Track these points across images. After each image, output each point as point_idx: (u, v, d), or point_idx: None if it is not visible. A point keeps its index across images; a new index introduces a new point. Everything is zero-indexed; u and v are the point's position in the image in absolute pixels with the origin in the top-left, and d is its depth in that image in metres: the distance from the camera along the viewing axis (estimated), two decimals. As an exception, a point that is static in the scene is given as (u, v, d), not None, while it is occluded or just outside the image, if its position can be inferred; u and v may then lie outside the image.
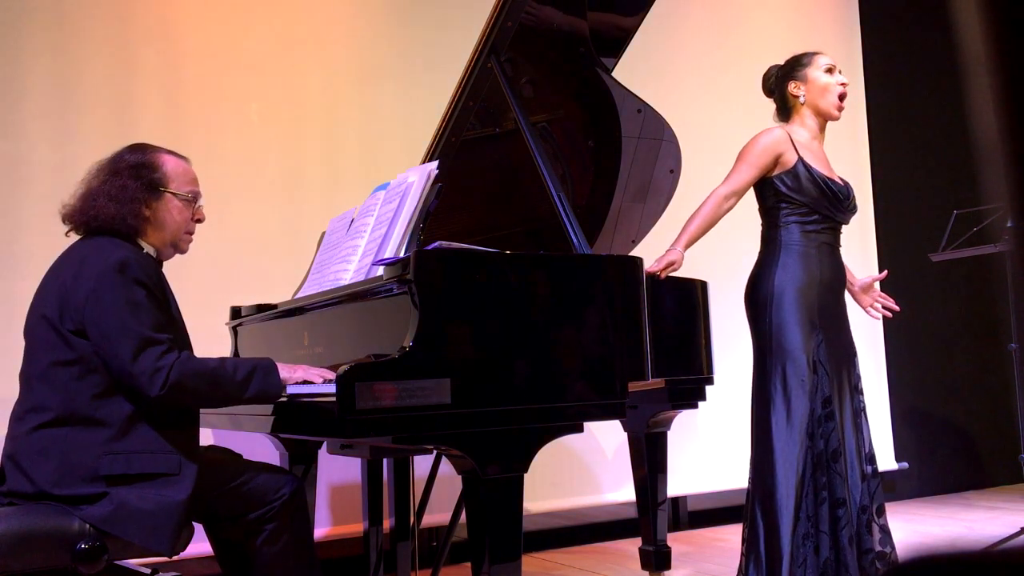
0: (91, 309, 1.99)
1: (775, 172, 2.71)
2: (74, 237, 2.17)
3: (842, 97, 2.76)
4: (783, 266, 2.69)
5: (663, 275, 2.48)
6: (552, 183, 2.39)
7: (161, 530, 1.95)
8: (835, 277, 2.74)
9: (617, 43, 2.91)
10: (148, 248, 2.16)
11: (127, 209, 2.09)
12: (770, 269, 2.71)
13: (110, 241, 2.08)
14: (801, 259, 2.68)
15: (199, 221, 2.24)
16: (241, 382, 2.03)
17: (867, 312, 3.02)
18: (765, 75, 2.90)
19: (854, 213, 2.82)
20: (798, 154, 2.69)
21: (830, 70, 2.77)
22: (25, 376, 2.09)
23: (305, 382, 2.08)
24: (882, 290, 3.05)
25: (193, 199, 2.21)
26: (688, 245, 2.61)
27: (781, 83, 2.82)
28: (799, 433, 2.58)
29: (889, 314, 3.02)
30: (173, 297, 2.17)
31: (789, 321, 2.65)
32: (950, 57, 4.82)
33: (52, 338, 2.02)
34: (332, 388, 1.84)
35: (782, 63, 2.86)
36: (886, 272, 3.07)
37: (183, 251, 2.24)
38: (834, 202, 2.71)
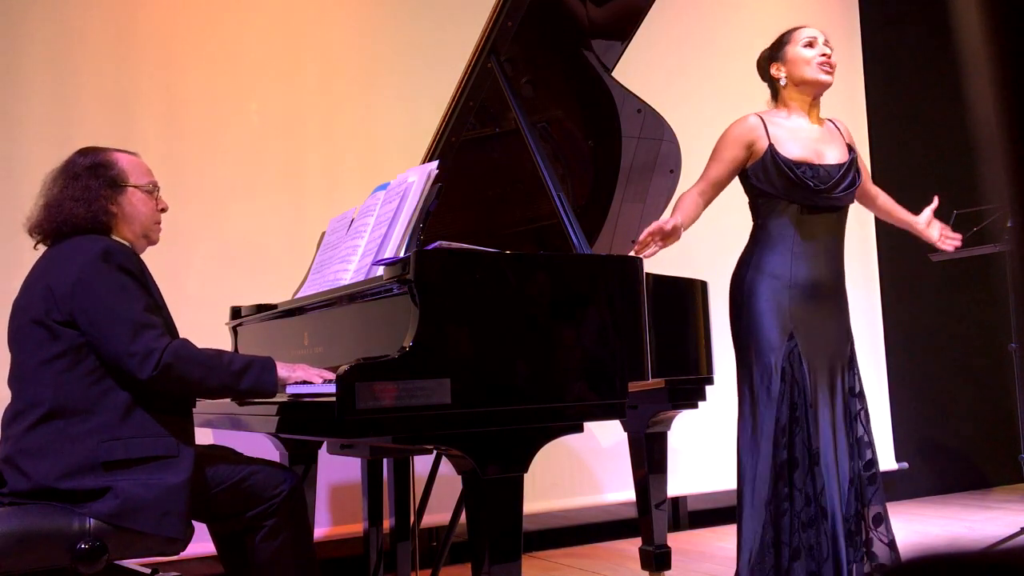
0: (79, 298, 1.99)
1: (750, 163, 2.61)
2: (43, 250, 2.18)
3: (823, 65, 2.60)
4: (755, 267, 2.61)
5: (656, 238, 2.43)
6: (552, 183, 2.39)
7: (171, 515, 1.96)
8: (820, 277, 2.59)
9: (617, 44, 2.91)
10: (121, 241, 2.16)
11: (96, 207, 2.11)
12: (744, 270, 2.65)
13: (86, 237, 2.09)
14: (776, 259, 2.58)
15: (163, 210, 2.26)
16: (236, 373, 2.02)
17: (941, 245, 2.85)
18: (758, 60, 2.79)
19: (849, 191, 2.62)
20: (769, 141, 2.58)
21: (810, 43, 2.63)
22: (14, 378, 2.09)
23: (304, 382, 2.08)
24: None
25: (154, 189, 2.23)
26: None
27: (766, 67, 2.73)
28: (764, 443, 2.52)
29: (957, 243, 2.86)
30: (156, 287, 2.17)
31: (758, 325, 2.57)
32: (950, 57, 4.82)
33: (39, 334, 2.03)
34: (332, 388, 1.84)
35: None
36: (936, 199, 2.90)
37: (154, 241, 2.26)
38: (807, 189, 2.55)
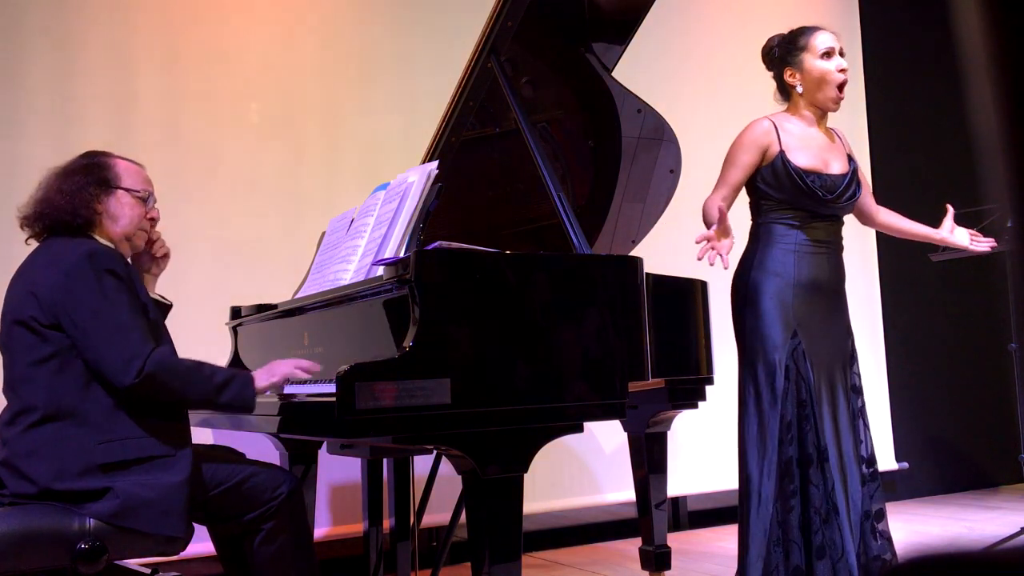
0: (63, 301, 1.99)
1: (760, 166, 2.62)
2: (34, 245, 2.18)
3: (842, 86, 2.62)
4: (758, 266, 2.63)
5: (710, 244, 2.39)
6: (552, 183, 2.39)
7: (171, 514, 1.96)
8: (822, 275, 2.63)
9: (617, 44, 2.91)
10: (106, 243, 2.15)
11: (78, 200, 2.10)
12: (747, 269, 2.66)
13: (71, 240, 2.09)
14: (779, 258, 2.60)
15: (153, 220, 2.25)
16: (218, 386, 2.03)
17: (971, 249, 2.87)
18: (766, 47, 2.76)
19: (851, 202, 2.67)
20: (780, 147, 2.60)
21: (828, 54, 2.63)
22: (7, 382, 2.09)
23: (290, 381, 2.08)
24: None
25: (146, 197, 2.22)
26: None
27: (779, 66, 2.71)
28: (770, 441, 2.53)
29: (993, 242, 2.88)
30: (144, 289, 2.17)
31: (762, 323, 2.59)
32: (950, 57, 4.81)
33: (28, 338, 2.02)
34: (332, 388, 1.84)
35: (785, 33, 2.73)
36: (951, 208, 2.88)
37: (138, 248, 2.25)
38: (814, 198, 2.59)
